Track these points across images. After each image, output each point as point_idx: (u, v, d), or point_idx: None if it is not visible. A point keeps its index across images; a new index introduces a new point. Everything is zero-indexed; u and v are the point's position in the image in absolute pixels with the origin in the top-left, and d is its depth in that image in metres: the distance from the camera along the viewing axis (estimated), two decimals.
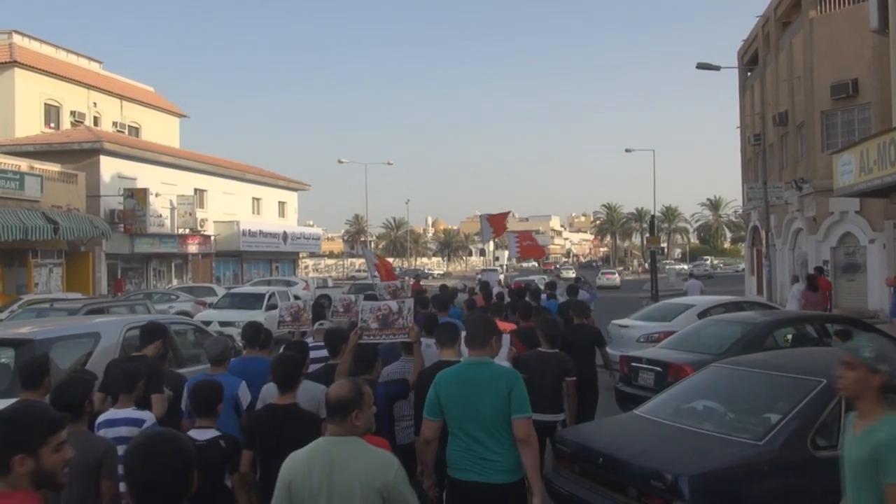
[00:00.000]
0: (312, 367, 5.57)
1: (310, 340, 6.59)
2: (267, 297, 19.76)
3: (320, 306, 8.42)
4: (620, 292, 41.40)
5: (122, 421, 4.21)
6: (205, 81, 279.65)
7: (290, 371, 4.23)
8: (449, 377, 4.07)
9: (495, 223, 18.86)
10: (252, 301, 19.50)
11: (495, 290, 14.84)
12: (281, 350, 5.17)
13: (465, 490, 3.96)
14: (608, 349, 8.50)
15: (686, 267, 65.86)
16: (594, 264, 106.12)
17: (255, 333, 6.02)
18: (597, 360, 7.59)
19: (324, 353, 5.91)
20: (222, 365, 5.27)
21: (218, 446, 3.92)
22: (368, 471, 2.89)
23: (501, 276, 40.28)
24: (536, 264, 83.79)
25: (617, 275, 57.20)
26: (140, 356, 5.35)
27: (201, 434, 3.90)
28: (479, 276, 27.31)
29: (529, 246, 19.29)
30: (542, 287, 18.40)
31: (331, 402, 3.03)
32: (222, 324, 16.33)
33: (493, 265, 75.50)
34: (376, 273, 12.00)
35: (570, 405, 6.34)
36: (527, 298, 10.31)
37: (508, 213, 21.68)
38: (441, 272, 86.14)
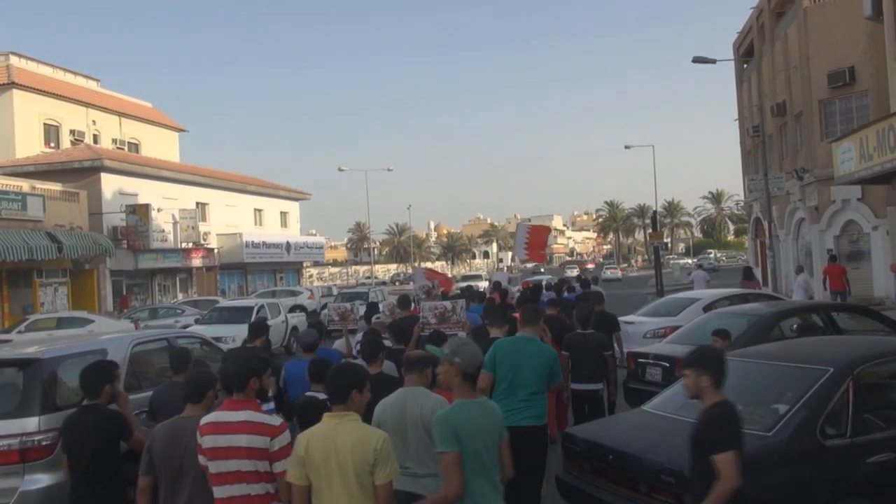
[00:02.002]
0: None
1: (358, 336, 7.92)
2: (256, 309, 19.01)
3: (375, 305, 10.14)
4: (625, 288, 41.44)
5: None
6: (202, 95, 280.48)
7: (374, 348, 5.59)
8: (505, 345, 5.60)
9: (535, 238, 17.52)
10: (240, 315, 18.36)
11: (516, 288, 17.07)
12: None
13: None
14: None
15: (690, 261, 66.64)
16: (595, 261, 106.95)
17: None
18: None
19: (385, 342, 6.82)
20: (313, 351, 6.41)
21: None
22: (424, 407, 4.18)
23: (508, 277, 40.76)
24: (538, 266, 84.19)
25: (619, 269, 65.86)
26: (253, 346, 6.75)
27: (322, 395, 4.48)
28: (492, 276, 28.67)
29: (539, 254, 18.81)
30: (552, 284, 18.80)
31: (412, 359, 4.43)
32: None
33: (499, 266, 76.76)
34: (423, 295, 11.44)
35: (610, 374, 7.34)
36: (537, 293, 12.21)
37: (549, 229, 21.65)
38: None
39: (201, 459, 3.85)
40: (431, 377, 4.42)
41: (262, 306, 19.89)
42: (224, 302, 24.19)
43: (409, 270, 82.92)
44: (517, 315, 7.74)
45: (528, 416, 5.35)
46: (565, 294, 13.99)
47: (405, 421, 4.15)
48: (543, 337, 6.18)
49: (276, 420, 3.90)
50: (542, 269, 28.93)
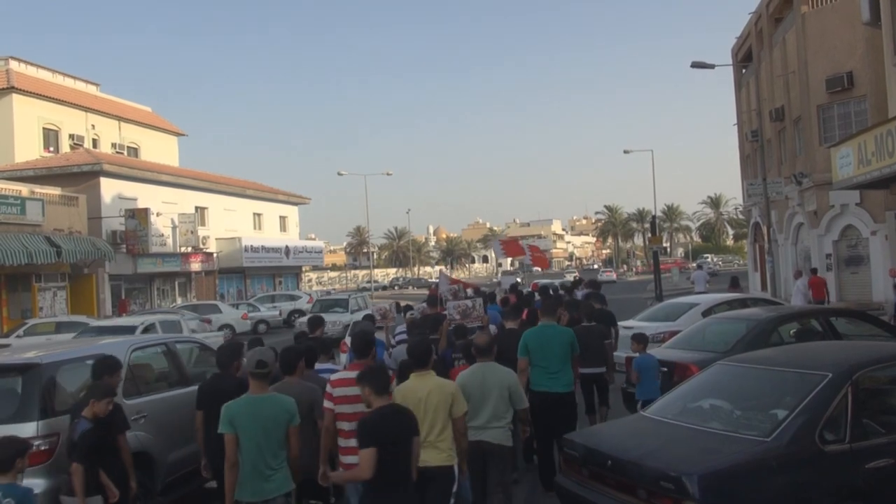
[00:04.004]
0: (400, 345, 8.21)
1: (402, 327, 9.38)
2: (141, 328, 15.93)
3: (408, 307, 11.94)
4: (624, 293, 41.52)
5: (325, 370, 6.44)
6: (201, 99, 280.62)
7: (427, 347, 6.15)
8: (533, 333, 7.13)
9: (508, 248, 23.16)
10: (122, 334, 13.76)
11: (525, 289, 18.83)
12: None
13: (541, 398, 6.81)
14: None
15: (692, 265, 67.66)
16: (594, 266, 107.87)
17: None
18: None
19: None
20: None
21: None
22: (503, 377, 5.71)
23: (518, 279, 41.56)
24: (539, 269, 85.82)
25: (614, 273, 74.68)
26: (314, 336, 7.95)
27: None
28: (500, 280, 30.10)
29: (539, 257, 23.99)
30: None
31: (482, 346, 5.85)
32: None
33: (497, 271, 77.86)
34: (450, 296, 12.14)
35: (608, 359, 8.64)
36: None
37: (518, 238, 25.25)
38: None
39: (327, 404, 5.26)
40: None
41: (152, 324, 16.70)
42: (97, 322, 19.60)
43: (409, 275, 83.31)
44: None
45: (559, 384, 6.89)
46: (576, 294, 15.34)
47: (485, 386, 5.63)
48: (562, 322, 7.67)
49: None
50: (520, 278, 30.06)
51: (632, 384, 9.01)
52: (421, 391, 4.93)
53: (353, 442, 4.85)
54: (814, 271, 20.36)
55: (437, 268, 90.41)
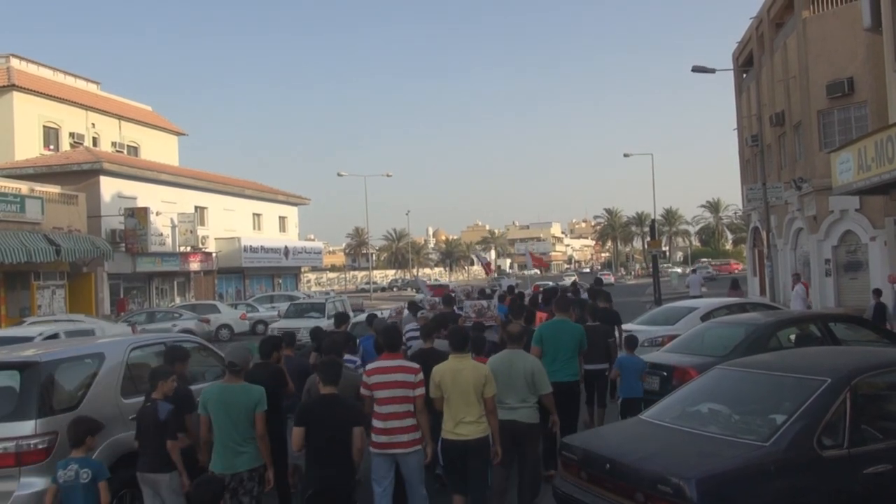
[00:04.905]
0: (413, 341, 8.71)
1: (413, 324, 9.88)
2: (39, 339, 11.97)
3: (416, 304, 12.09)
4: (623, 296, 41.55)
5: (349, 361, 7.45)
6: (202, 99, 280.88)
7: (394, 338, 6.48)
8: (547, 326, 8.04)
9: (535, 261, 27.74)
10: (18, 344, 10.48)
11: (528, 291, 19.68)
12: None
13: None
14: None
15: (689, 269, 67.75)
16: (593, 269, 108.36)
17: None
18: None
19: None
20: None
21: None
22: (527, 363, 6.34)
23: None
24: (539, 272, 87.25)
25: (612, 276, 76.42)
26: (340, 332, 8.74)
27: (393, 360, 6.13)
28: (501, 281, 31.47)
29: (539, 259, 26.56)
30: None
31: (513, 332, 6.54)
32: None
33: (495, 274, 78.29)
34: (463, 297, 13.08)
35: (612, 356, 9.01)
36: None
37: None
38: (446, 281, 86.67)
39: (363, 391, 5.87)
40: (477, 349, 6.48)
41: (53, 334, 13.04)
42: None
43: (408, 276, 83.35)
44: (541, 314, 10.68)
45: (566, 374, 7.59)
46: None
47: (512, 371, 6.22)
48: (571, 318, 8.32)
49: (416, 364, 5.98)
50: (500, 284, 30.85)
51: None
52: (458, 371, 5.77)
53: (380, 423, 5.75)
54: (797, 277, 20.34)
55: (420, 273, 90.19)
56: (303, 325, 18.50)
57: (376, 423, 5.78)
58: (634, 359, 8.60)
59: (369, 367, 6.07)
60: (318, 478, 5.16)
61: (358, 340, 8.99)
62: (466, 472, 5.76)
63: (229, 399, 5.53)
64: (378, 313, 11.79)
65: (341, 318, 9.58)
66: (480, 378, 5.72)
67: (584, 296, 16.57)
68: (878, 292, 15.79)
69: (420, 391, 5.77)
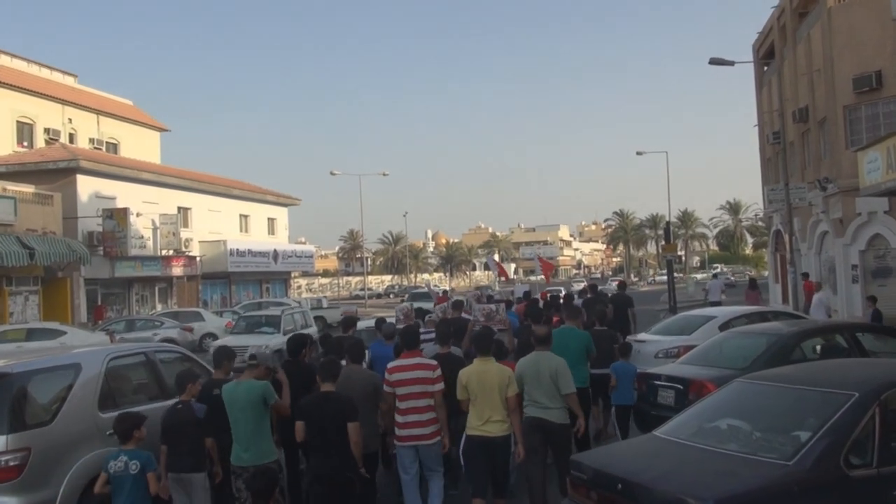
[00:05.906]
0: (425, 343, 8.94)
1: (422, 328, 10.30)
2: None
3: (422, 310, 13.01)
4: (636, 304, 41.64)
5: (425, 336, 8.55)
6: (186, 93, 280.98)
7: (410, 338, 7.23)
8: (560, 331, 8.64)
9: (545, 266, 28.51)
10: None
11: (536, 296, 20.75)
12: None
13: None
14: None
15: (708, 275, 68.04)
16: (603, 274, 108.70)
17: None
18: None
19: (431, 334, 9.01)
20: (393, 339, 8.45)
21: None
22: (552, 363, 6.86)
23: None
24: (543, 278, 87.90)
25: (622, 280, 74.17)
26: (347, 336, 9.19)
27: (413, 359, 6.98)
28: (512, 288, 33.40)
29: (549, 265, 27.80)
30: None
31: (540, 334, 7.13)
32: None
33: (513, 277, 79.31)
34: (474, 301, 14.02)
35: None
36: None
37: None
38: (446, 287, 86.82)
39: (386, 388, 6.68)
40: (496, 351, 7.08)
41: None
42: None
43: (405, 282, 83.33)
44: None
45: (575, 380, 7.69)
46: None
47: (539, 372, 6.84)
48: (580, 326, 9.22)
49: (433, 361, 6.83)
50: (493, 290, 31.29)
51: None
52: (484, 373, 6.54)
53: (401, 418, 6.60)
54: (805, 275, 20.54)
55: (414, 275, 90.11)
56: (252, 343, 18.03)
57: (398, 418, 6.62)
58: (628, 365, 9.46)
59: (390, 365, 6.86)
60: (315, 467, 5.89)
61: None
62: (490, 467, 6.52)
63: (239, 395, 6.12)
64: (386, 318, 12.48)
65: (351, 320, 10.44)
66: (504, 379, 6.52)
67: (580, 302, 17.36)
68: (872, 299, 16.29)
69: (439, 386, 6.61)
